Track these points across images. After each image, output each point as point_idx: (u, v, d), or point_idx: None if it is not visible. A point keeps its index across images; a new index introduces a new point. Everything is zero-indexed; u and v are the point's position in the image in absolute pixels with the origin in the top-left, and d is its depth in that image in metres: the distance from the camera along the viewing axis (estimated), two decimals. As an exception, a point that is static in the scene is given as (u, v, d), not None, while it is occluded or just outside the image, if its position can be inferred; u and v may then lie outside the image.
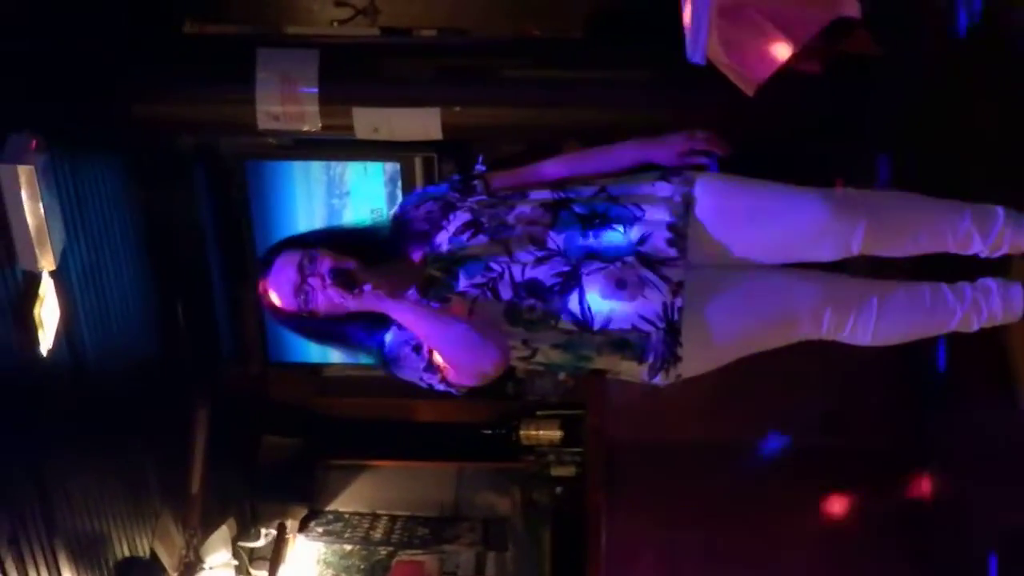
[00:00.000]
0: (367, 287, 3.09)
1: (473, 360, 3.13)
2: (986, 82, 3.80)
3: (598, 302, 3.14)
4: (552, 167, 3.50)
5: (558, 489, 5.90)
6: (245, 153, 5.43)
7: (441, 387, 3.21)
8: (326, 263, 3.12)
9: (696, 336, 3.17)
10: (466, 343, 3.12)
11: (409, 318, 3.15)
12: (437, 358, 3.16)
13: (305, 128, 4.72)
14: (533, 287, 3.16)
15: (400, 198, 4.96)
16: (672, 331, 3.15)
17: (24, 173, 3.43)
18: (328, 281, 3.09)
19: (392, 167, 5.41)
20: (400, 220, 3.45)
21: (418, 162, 5.30)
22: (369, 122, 4.70)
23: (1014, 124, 3.61)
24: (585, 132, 4.44)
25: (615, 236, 3.19)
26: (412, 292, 3.20)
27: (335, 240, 3.26)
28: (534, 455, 5.99)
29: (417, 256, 3.33)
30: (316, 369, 6.16)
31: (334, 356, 5.91)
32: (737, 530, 4.62)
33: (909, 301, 3.30)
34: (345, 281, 3.08)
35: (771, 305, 3.26)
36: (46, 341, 3.72)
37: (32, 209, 3.48)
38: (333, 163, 5.49)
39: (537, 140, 4.57)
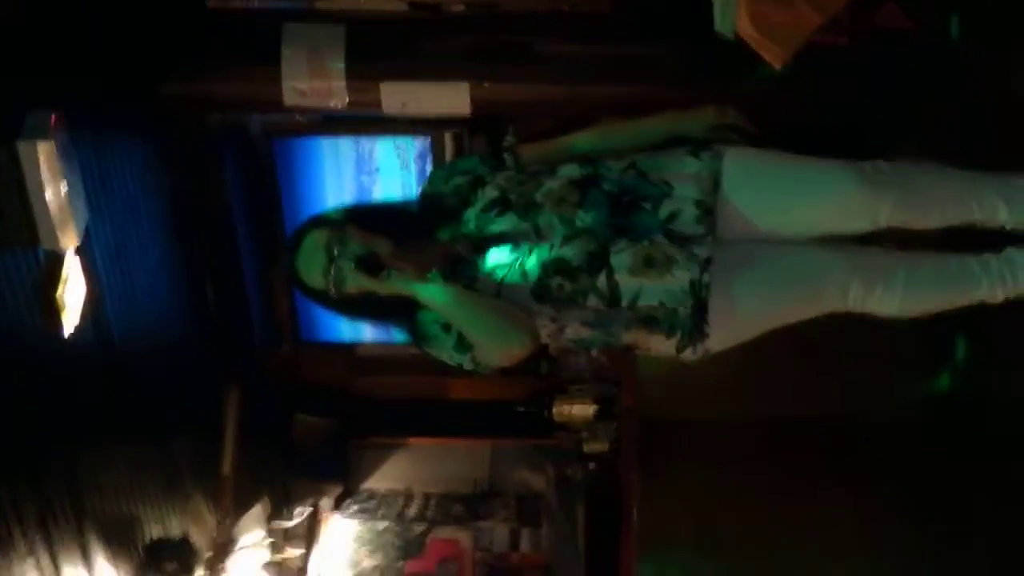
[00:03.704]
0: (393, 272, 3.08)
1: (501, 342, 3.14)
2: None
3: (626, 280, 3.13)
4: (583, 140, 3.50)
5: (592, 465, 5.88)
6: (273, 130, 5.40)
7: (471, 366, 3.22)
8: (354, 245, 3.12)
9: (723, 311, 3.17)
10: (494, 325, 3.12)
11: (436, 301, 3.14)
12: (467, 338, 3.17)
13: (332, 104, 4.69)
14: (561, 265, 3.15)
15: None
16: (700, 307, 3.14)
17: (44, 150, 3.39)
18: (354, 267, 3.09)
19: (422, 142, 5.37)
20: (429, 196, 3.44)
21: (448, 137, 5.25)
22: (397, 97, 4.66)
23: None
24: (615, 107, 4.40)
25: (644, 214, 3.17)
26: (439, 272, 3.19)
27: (363, 218, 3.26)
28: (568, 432, 5.97)
29: (446, 233, 3.32)
30: (349, 348, 6.13)
31: (367, 335, 5.89)
32: (771, 506, 4.60)
33: (935, 272, 3.29)
34: (371, 267, 3.08)
35: (797, 278, 3.25)
36: (71, 322, 3.69)
37: (53, 187, 3.44)
38: (362, 139, 5.45)
39: (568, 115, 4.52)
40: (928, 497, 4.44)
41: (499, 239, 3.23)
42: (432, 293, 3.13)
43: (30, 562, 3.46)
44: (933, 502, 4.42)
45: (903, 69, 4.13)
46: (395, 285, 3.11)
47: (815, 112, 4.29)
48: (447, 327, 3.20)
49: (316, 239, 3.19)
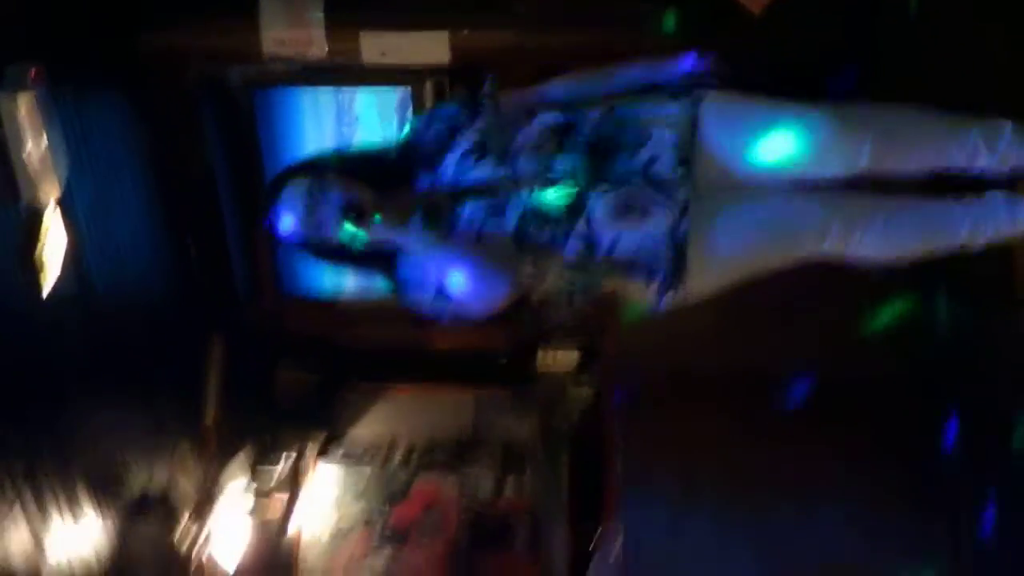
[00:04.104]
0: (376, 220, 3.07)
1: (481, 291, 3.15)
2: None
3: (605, 226, 3.13)
4: (561, 87, 3.49)
5: (575, 413, 5.90)
6: (253, 82, 5.37)
7: (451, 316, 3.22)
8: (335, 192, 3.11)
9: (702, 257, 3.17)
10: (474, 275, 3.12)
11: (417, 249, 3.14)
12: (447, 287, 3.17)
13: (312, 53, 4.68)
14: (539, 212, 3.15)
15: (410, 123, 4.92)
16: (678, 253, 3.14)
17: (24, 102, 3.39)
18: (338, 214, 3.08)
19: (403, 92, 5.35)
20: (408, 143, 3.43)
21: (428, 87, 5.23)
22: (376, 47, 4.66)
23: (1021, 40, 3.57)
24: (594, 55, 4.38)
25: (622, 160, 3.17)
26: (418, 220, 3.18)
27: (344, 165, 3.25)
28: (551, 380, 5.99)
29: (425, 180, 3.31)
30: (331, 299, 6.13)
31: (349, 286, 5.89)
32: (752, 452, 4.62)
33: (916, 217, 3.29)
34: (351, 214, 3.07)
35: (776, 223, 3.24)
36: (53, 274, 3.70)
37: (34, 139, 3.44)
38: (342, 90, 5.43)
39: (547, 63, 4.52)
40: (900, 443, 4.49)
41: (478, 186, 3.22)
42: (413, 240, 3.14)
43: (18, 511, 3.48)
44: (904, 447, 4.47)
45: (883, 13, 4.13)
46: (376, 232, 3.10)
47: (794, 56, 4.29)
48: (428, 275, 3.20)
49: (296, 186, 3.18)
